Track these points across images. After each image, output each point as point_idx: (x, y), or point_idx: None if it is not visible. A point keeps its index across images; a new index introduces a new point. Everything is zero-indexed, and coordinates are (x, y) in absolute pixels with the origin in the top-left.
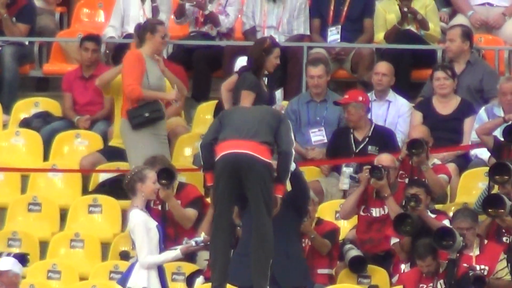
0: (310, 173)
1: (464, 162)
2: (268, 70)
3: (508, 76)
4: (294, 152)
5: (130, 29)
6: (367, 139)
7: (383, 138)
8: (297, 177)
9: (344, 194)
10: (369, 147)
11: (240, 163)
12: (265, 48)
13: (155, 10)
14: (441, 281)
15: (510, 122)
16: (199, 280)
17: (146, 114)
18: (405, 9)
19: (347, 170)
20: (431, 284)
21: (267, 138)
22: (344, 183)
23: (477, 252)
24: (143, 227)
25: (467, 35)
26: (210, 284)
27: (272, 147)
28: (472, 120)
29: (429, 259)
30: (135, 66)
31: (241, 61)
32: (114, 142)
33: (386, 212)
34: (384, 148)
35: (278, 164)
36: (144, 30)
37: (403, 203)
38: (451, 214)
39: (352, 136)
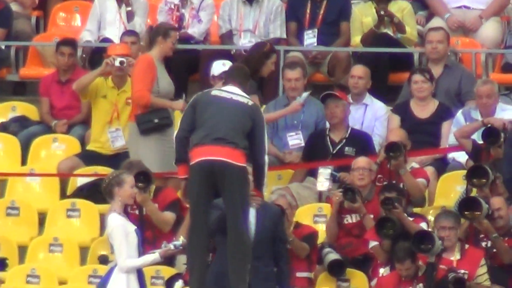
0: (286, 177)
1: (442, 166)
2: (263, 74)
3: (484, 79)
4: (267, 160)
5: (107, 33)
6: (344, 140)
7: (360, 141)
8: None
9: (320, 195)
10: (346, 148)
11: (215, 170)
12: (265, 52)
13: (130, 15)
14: (420, 284)
15: (489, 125)
16: (178, 283)
17: (155, 120)
18: (382, 12)
19: (324, 171)
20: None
21: (242, 143)
22: (322, 184)
23: (458, 256)
24: (121, 231)
25: (448, 37)
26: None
27: (247, 150)
28: (449, 123)
29: (408, 263)
30: (146, 72)
31: (217, 65)
32: (91, 146)
33: (361, 217)
34: (361, 151)
35: (253, 175)
36: (156, 33)
37: None
38: (429, 217)
39: (328, 137)
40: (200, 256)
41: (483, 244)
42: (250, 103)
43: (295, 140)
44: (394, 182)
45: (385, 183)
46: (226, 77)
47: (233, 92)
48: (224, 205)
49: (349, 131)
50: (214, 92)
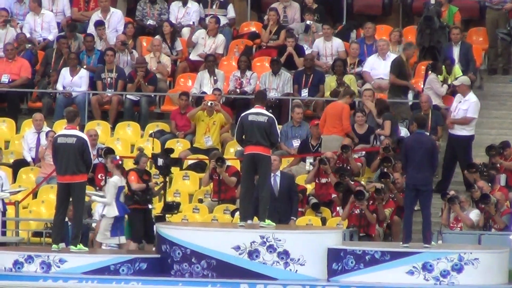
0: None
1: (370, 156)
2: None
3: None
4: (279, 140)
5: (204, 89)
6: (318, 144)
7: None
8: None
9: (308, 172)
10: (319, 148)
11: (256, 157)
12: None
13: (215, 81)
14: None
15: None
16: (237, 214)
17: None
18: (338, 82)
19: (308, 160)
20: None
21: (267, 143)
22: (307, 166)
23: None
24: None
25: (374, 93)
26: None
27: (271, 146)
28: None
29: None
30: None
31: None
32: (196, 144)
33: (329, 180)
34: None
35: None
36: None
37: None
38: (362, 182)
39: (310, 143)
40: (247, 200)
41: (391, 195)
42: (267, 119)
43: (296, 143)
44: (345, 164)
45: (340, 165)
46: (255, 100)
47: (259, 114)
48: (258, 174)
49: (320, 140)
50: (250, 117)
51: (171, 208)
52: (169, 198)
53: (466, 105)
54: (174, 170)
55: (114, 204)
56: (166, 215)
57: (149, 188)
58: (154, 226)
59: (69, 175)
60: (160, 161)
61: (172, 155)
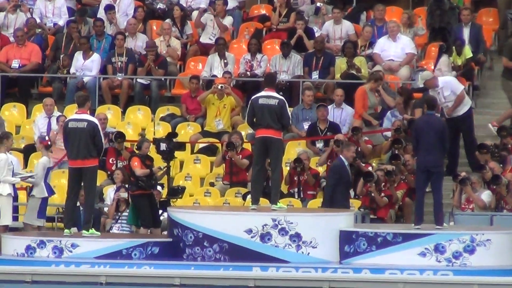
0: (302, 144)
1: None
2: None
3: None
4: (290, 123)
5: (214, 72)
6: (326, 128)
7: (335, 128)
8: None
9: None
10: (328, 132)
11: (267, 140)
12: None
13: (225, 64)
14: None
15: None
16: (248, 197)
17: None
18: (348, 63)
19: (318, 145)
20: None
21: (278, 126)
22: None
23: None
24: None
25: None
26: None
27: (282, 129)
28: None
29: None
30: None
31: None
32: (206, 128)
33: None
34: (335, 132)
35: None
36: None
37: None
38: (373, 164)
39: (318, 127)
40: (258, 184)
41: (402, 177)
42: (277, 101)
43: (306, 126)
44: (356, 147)
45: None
46: (265, 83)
47: (270, 97)
48: (269, 157)
49: (328, 123)
50: (261, 101)
51: (176, 192)
52: (180, 182)
53: (447, 89)
54: (185, 154)
55: (43, 185)
56: (171, 200)
57: (153, 173)
58: (160, 210)
59: (80, 159)
60: (163, 146)
61: (181, 139)
